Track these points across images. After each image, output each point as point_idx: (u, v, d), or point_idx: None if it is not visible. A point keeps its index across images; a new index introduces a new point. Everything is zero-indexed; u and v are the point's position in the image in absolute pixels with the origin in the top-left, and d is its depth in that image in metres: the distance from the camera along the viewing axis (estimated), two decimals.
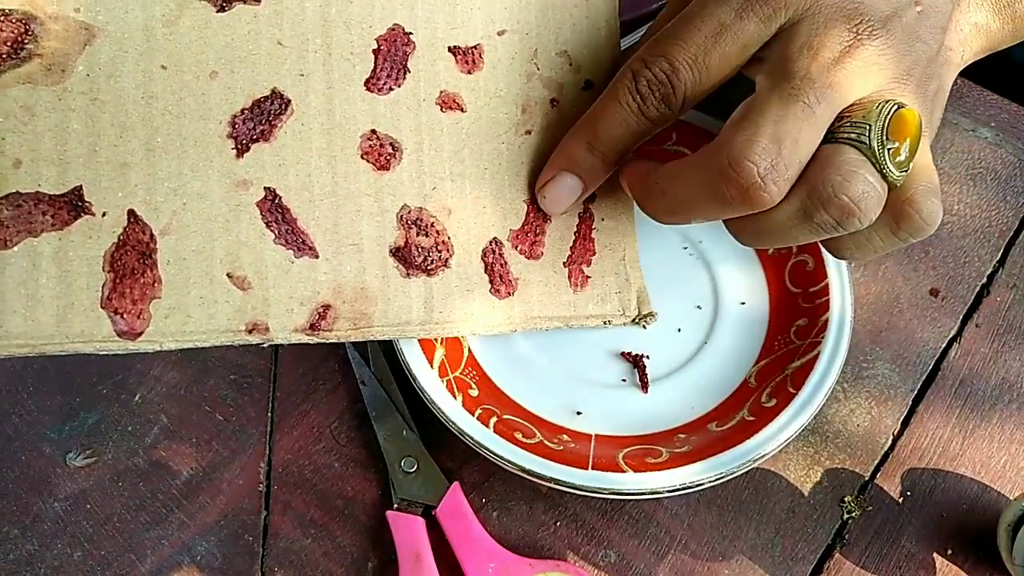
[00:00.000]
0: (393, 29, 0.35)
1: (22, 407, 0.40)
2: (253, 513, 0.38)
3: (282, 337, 0.32)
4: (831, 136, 0.29)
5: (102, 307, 0.31)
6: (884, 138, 0.29)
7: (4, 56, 0.30)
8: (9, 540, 0.37)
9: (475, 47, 0.36)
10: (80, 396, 0.40)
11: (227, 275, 0.32)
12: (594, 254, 0.38)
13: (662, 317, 0.39)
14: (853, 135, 0.29)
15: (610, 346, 0.39)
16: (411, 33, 0.35)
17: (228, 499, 0.38)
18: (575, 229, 0.37)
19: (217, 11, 0.32)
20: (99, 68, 0.31)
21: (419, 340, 0.36)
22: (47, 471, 0.39)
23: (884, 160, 0.29)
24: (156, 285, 0.31)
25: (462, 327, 0.35)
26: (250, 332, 0.32)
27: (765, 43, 0.31)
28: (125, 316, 0.31)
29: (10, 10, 0.30)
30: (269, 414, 0.40)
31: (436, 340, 0.37)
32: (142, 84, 0.32)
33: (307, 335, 0.33)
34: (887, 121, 0.29)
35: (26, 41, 0.30)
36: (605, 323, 0.38)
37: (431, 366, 0.36)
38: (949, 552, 0.37)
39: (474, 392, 0.37)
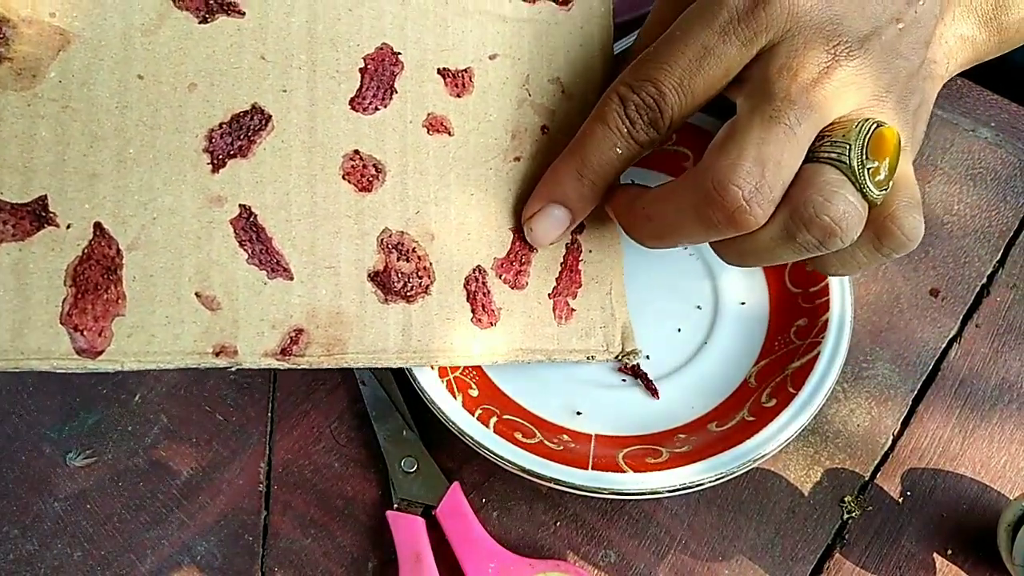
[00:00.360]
0: (381, 48, 0.34)
1: (22, 407, 0.40)
2: (253, 513, 0.38)
3: (251, 361, 0.31)
4: (812, 155, 0.30)
5: (61, 323, 0.29)
6: (864, 157, 0.29)
7: None
8: (9, 540, 0.37)
9: (465, 70, 0.35)
10: (80, 396, 0.40)
11: (195, 294, 0.31)
12: (580, 286, 0.37)
13: (662, 317, 0.40)
14: (833, 155, 0.29)
15: (609, 361, 0.39)
16: (400, 53, 0.34)
17: (228, 499, 0.38)
18: (562, 260, 0.37)
19: (199, 22, 0.32)
20: (72, 75, 0.30)
21: None
22: (47, 471, 0.39)
23: (864, 179, 0.29)
24: (120, 302, 0.30)
25: (440, 357, 0.34)
26: (217, 355, 0.31)
27: (746, 65, 0.31)
28: (85, 333, 0.29)
29: None
30: (269, 414, 0.40)
31: None
32: (117, 93, 0.30)
33: (277, 360, 0.31)
34: (866, 140, 0.29)
35: None
36: (588, 358, 0.37)
37: (431, 366, 0.36)
38: (949, 552, 0.37)
39: (474, 392, 0.37)
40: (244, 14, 0.32)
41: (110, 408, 0.40)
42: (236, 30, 0.32)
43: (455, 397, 0.35)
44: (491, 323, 0.35)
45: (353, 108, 0.33)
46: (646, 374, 0.39)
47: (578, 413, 0.38)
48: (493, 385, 0.38)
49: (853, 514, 0.37)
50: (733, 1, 0.30)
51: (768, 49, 0.30)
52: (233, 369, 0.31)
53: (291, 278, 0.32)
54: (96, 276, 0.30)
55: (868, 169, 0.29)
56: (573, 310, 0.37)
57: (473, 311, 0.35)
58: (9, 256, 0.29)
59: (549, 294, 0.36)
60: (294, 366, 0.32)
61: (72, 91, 0.30)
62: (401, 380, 0.40)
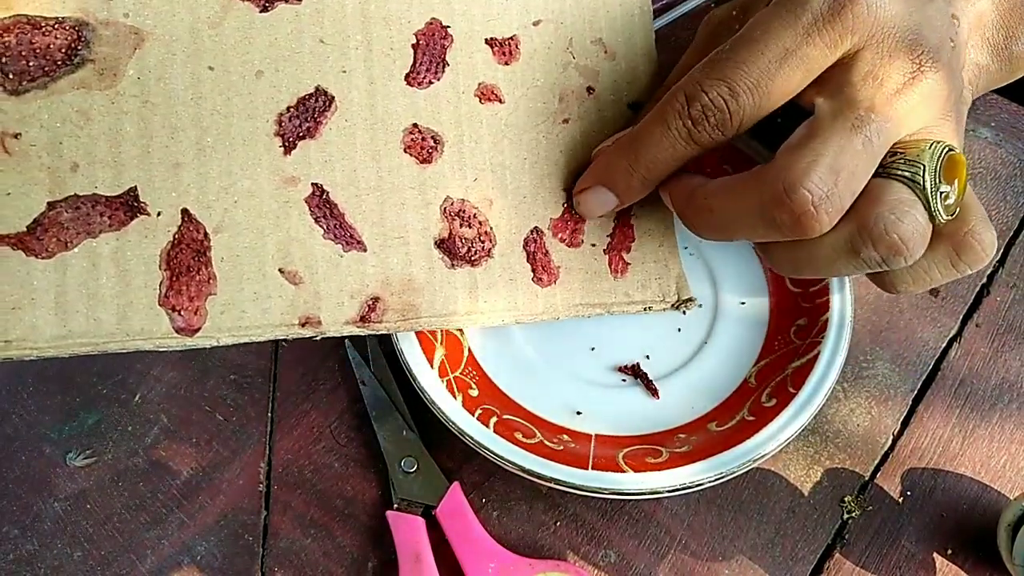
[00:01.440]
0: (431, 23, 0.35)
1: (22, 407, 0.40)
2: (253, 513, 0.38)
3: (334, 330, 0.33)
4: (883, 171, 0.29)
5: (160, 305, 0.31)
6: (937, 180, 0.29)
7: (59, 63, 0.31)
8: (9, 540, 0.37)
9: (511, 38, 0.36)
10: (80, 396, 0.40)
11: (279, 270, 0.33)
12: (633, 240, 0.38)
13: (662, 317, 0.39)
14: (907, 174, 0.29)
15: (609, 361, 0.39)
16: (448, 26, 0.35)
17: (228, 499, 0.38)
18: (614, 216, 0.38)
19: (260, 11, 0.33)
20: (149, 71, 0.32)
21: (419, 340, 0.36)
22: (47, 471, 0.39)
23: (936, 202, 0.29)
24: (211, 282, 0.32)
25: (506, 316, 0.35)
26: (303, 326, 0.33)
27: (826, 68, 0.30)
28: (183, 313, 0.31)
29: (63, 18, 0.31)
30: (269, 414, 0.40)
31: (436, 340, 0.37)
32: (191, 85, 0.32)
33: (358, 327, 0.33)
34: (940, 163, 0.29)
35: (79, 47, 0.31)
36: (646, 309, 0.38)
37: (431, 366, 0.36)
38: (949, 552, 0.37)
39: (474, 392, 0.37)
40: (300, 0, 0.34)
41: (110, 408, 0.40)
42: (295, 16, 0.34)
43: (455, 397, 0.35)
44: (551, 281, 0.36)
45: (409, 83, 0.35)
46: (646, 374, 0.39)
47: (578, 413, 0.38)
48: (493, 385, 0.38)
49: (853, 514, 0.37)
50: (817, 2, 0.29)
51: (852, 53, 0.30)
52: (318, 338, 0.33)
53: (364, 250, 0.34)
54: (188, 259, 0.32)
55: (941, 192, 0.29)
56: (628, 264, 0.38)
57: (534, 271, 0.36)
58: (108, 245, 0.31)
59: (604, 250, 0.37)
60: (373, 332, 0.34)
61: (150, 86, 0.32)
62: (401, 380, 0.40)
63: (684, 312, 0.39)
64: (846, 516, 0.37)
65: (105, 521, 0.38)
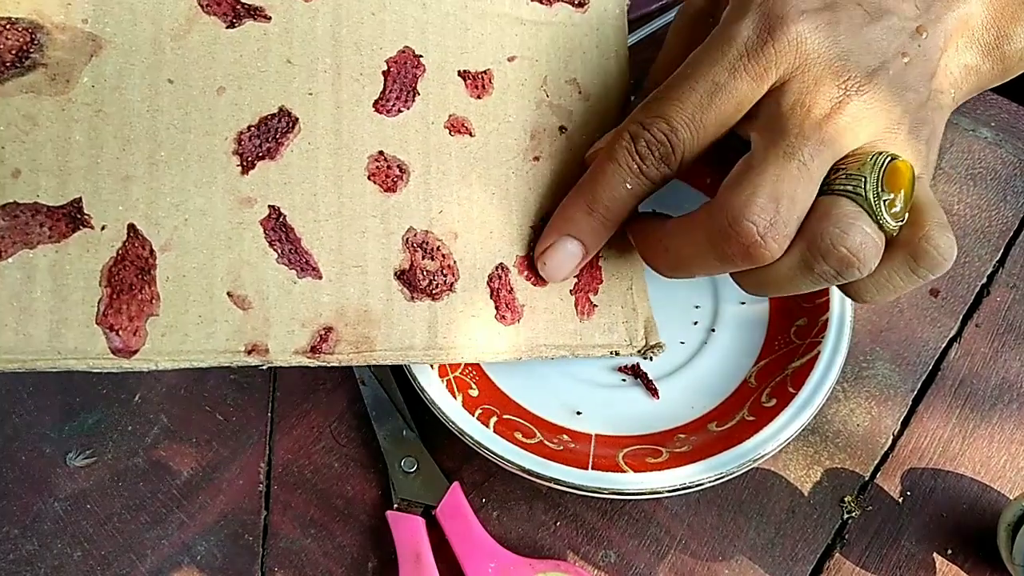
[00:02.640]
0: (403, 51, 0.34)
1: (22, 407, 0.40)
2: (253, 513, 0.38)
3: (282, 359, 0.31)
4: (827, 188, 0.30)
5: (97, 323, 0.30)
6: (880, 190, 0.29)
7: (8, 64, 0.30)
8: (9, 540, 0.37)
9: (485, 72, 0.36)
10: (80, 396, 0.40)
11: (227, 294, 0.31)
12: (601, 282, 0.37)
13: (662, 317, 0.39)
14: (849, 187, 0.29)
15: (609, 361, 0.39)
16: (421, 56, 0.35)
17: (228, 499, 0.38)
18: None
19: (227, 27, 0.32)
20: (104, 80, 0.31)
21: None
22: (47, 471, 0.39)
23: (880, 211, 0.29)
24: (154, 302, 0.30)
25: (466, 354, 0.34)
26: (249, 353, 0.31)
27: (757, 101, 0.31)
28: (121, 333, 0.30)
29: (16, 18, 0.30)
30: (269, 414, 0.40)
31: None
32: (148, 97, 0.31)
33: (308, 358, 0.32)
34: (882, 172, 0.29)
35: (31, 50, 0.30)
36: (612, 353, 0.37)
37: (431, 366, 0.36)
38: (949, 552, 0.37)
39: (474, 392, 0.37)
40: (270, 19, 0.33)
41: (110, 408, 0.40)
42: (263, 35, 0.33)
43: (455, 397, 0.35)
44: (515, 320, 0.35)
45: (377, 110, 0.34)
46: (646, 374, 0.39)
47: (578, 413, 0.38)
48: (493, 385, 0.38)
49: (853, 514, 0.37)
50: (742, 38, 0.31)
51: (779, 85, 0.31)
52: (264, 367, 0.32)
53: (320, 277, 0.32)
54: (130, 276, 0.30)
55: (884, 201, 0.29)
56: (595, 306, 0.37)
57: (497, 308, 0.35)
58: (46, 258, 0.29)
59: (571, 290, 0.37)
60: (324, 363, 0.32)
61: (105, 95, 0.31)
62: (401, 380, 0.40)
63: (650, 359, 0.38)
64: (846, 516, 0.37)
65: (105, 521, 0.38)
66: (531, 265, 0.36)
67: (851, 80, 0.30)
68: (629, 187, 0.33)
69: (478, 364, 0.39)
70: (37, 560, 0.37)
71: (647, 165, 0.32)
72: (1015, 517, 0.34)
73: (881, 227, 0.29)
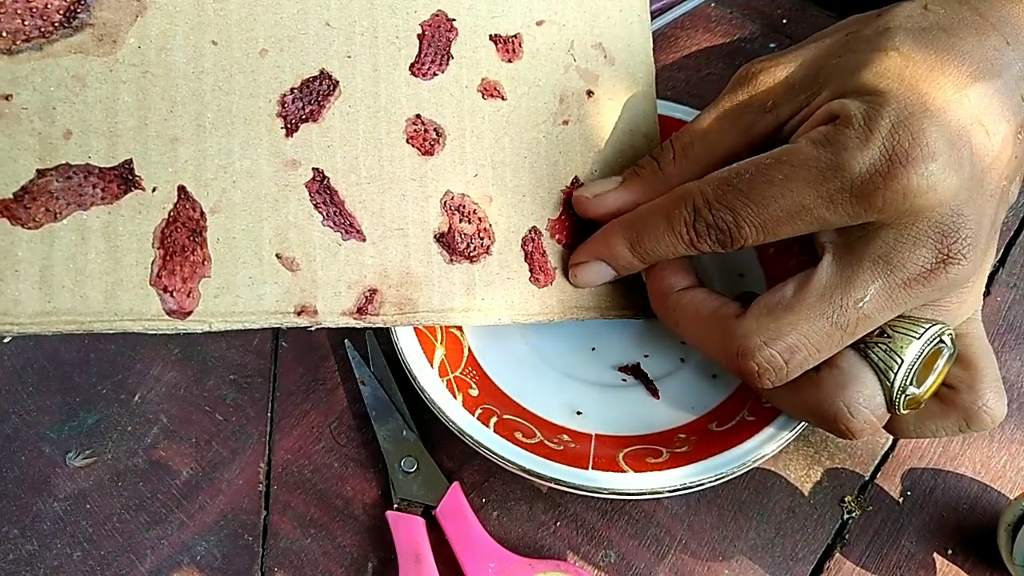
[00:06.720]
0: (436, 15, 0.35)
1: (22, 407, 0.40)
2: (253, 513, 0.38)
3: (330, 320, 0.32)
4: (861, 345, 0.29)
5: (151, 284, 0.30)
6: (908, 383, 0.28)
7: (57, 24, 0.30)
8: (9, 540, 0.37)
9: (515, 36, 0.36)
10: (80, 396, 0.40)
11: (276, 255, 0.32)
12: None
13: None
14: (882, 365, 0.28)
15: (609, 361, 0.39)
16: (454, 20, 0.35)
17: (228, 499, 0.38)
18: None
19: None
20: (150, 41, 0.31)
21: (419, 339, 0.36)
22: (47, 471, 0.39)
23: (899, 403, 0.29)
24: (206, 264, 0.31)
25: (503, 315, 0.35)
26: (299, 314, 0.32)
27: None
28: (175, 294, 0.30)
29: None
30: (269, 414, 0.40)
31: (436, 340, 0.37)
32: (193, 59, 0.31)
33: (354, 319, 0.32)
34: (922, 358, 0.28)
35: (79, 11, 0.30)
36: (641, 314, 0.37)
37: (431, 366, 0.36)
38: (949, 552, 0.37)
39: (474, 392, 0.37)
40: None
41: (110, 408, 0.40)
42: None
43: (455, 397, 0.35)
44: (548, 282, 0.36)
45: (413, 73, 0.34)
46: (646, 374, 0.39)
47: (578, 413, 0.38)
48: (493, 385, 0.38)
49: (853, 514, 0.37)
50: (853, 172, 0.27)
51: (874, 227, 0.28)
52: (313, 328, 0.32)
53: (364, 239, 0.33)
54: (182, 238, 0.31)
55: (907, 397, 0.29)
56: None
57: (531, 270, 0.36)
58: (99, 219, 0.30)
59: None
60: (370, 325, 0.33)
61: (151, 56, 0.31)
62: (401, 380, 0.40)
63: None
64: (846, 516, 0.37)
65: (105, 521, 0.38)
66: (562, 228, 0.37)
67: (955, 246, 0.27)
68: (677, 250, 0.33)
69: (478, 364, 0.39)
70: (37, 560, 0.37)
71: (700, 241, 0.31)
72: (1015, 517, 0.34)
73: (892, 404, 0.29)
